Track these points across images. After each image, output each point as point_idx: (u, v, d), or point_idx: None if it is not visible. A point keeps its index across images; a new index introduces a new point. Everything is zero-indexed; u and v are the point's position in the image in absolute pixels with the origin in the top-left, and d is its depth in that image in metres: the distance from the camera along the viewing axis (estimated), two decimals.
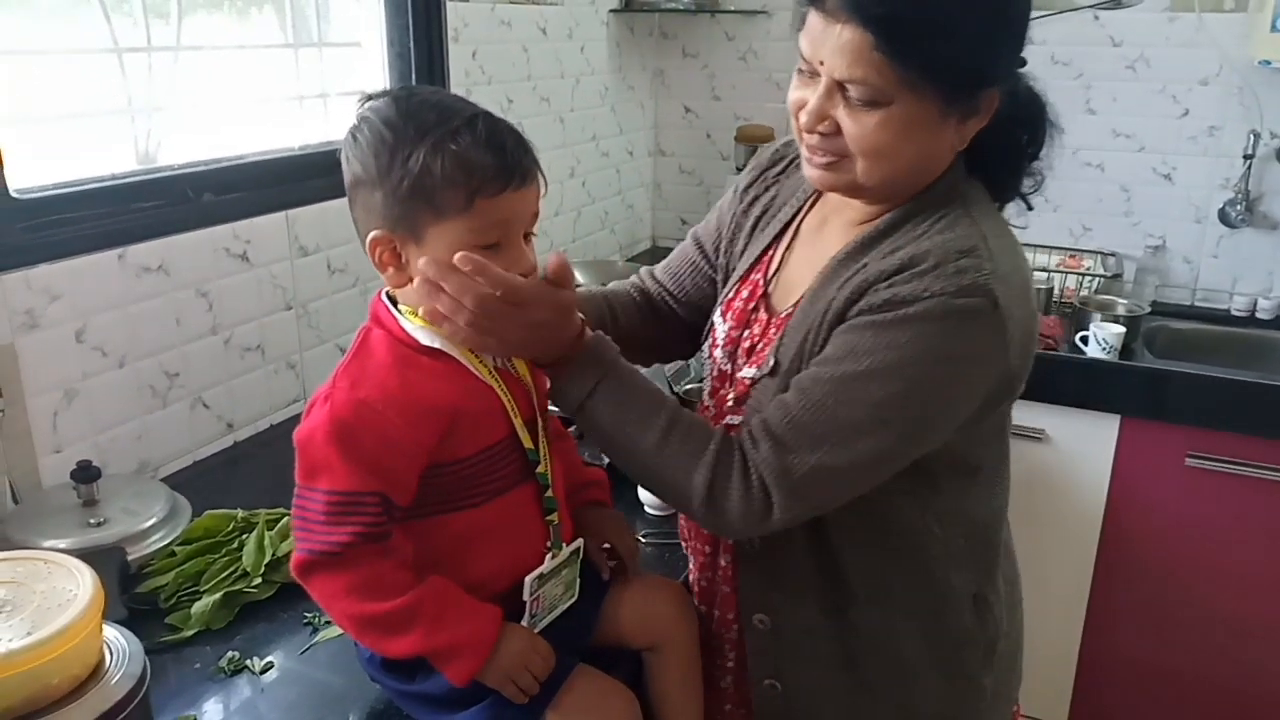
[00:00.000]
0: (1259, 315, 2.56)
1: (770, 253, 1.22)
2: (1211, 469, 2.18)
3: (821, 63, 0.99)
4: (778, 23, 2.89)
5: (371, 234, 1.00)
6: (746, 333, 1.18)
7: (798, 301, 1.12)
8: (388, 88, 1.01)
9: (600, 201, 2.90)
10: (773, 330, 1.14)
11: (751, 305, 1.19)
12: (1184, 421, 2.15)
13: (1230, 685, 2.32)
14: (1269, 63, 2.34)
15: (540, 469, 1.07)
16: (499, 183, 0.97)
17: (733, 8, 2.90)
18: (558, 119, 2.61)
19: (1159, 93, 2.55)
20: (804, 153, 1.07)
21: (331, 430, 0.96)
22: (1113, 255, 2.65)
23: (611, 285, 1.42)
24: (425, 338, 1.01)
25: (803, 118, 1.03)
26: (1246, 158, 2.47)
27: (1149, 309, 2.56)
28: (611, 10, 2.77)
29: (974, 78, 1.00)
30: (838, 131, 1.02)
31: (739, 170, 2.92)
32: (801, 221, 1.20)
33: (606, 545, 1.19)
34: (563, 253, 1.08)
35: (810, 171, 1.07)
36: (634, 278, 1.44)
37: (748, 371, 1.14)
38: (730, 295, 1.23)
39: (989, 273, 0.98)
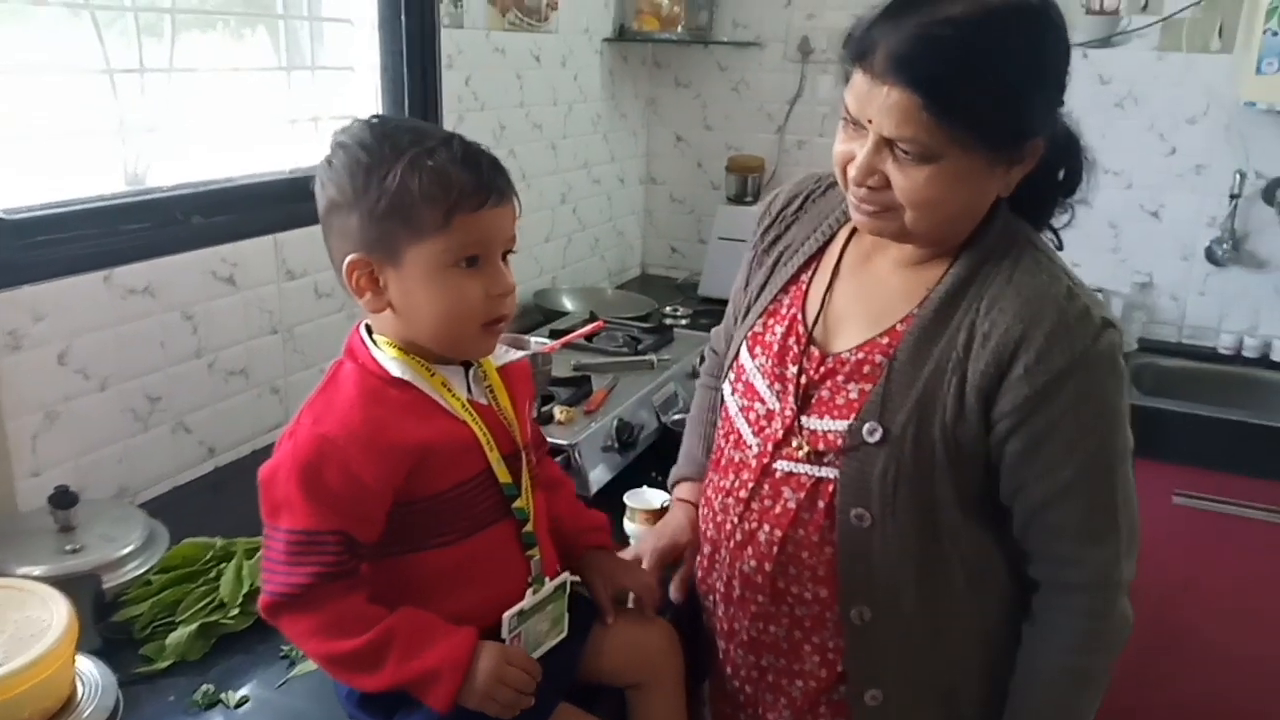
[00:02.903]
0: (1245, 353, 2.56)
1: (799, 286, 1.21)
2: (1199, 507, 2.18)
3: (869, 120, 1.01)
4: (770, 54, 2.91)
5: (348, 258, 0.99)
6: (794, 370, 1.15)
7: (866, 347, 1.11)
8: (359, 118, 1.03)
9: (591, 228, 2.90)
10: (839, 377, 1.12)
11: (791, 340, 1.17)
12: (1171, 459, 2.15)
13: None
14: (1254, 104, 2.36)
15: (518, 504, 1.06)
16: (476, 199, 0.97)
17: (725, 39, 2.92)
18: (550, 146, 2.61)
19: (1147, 130, 2.57)
20: (851, 201, 1.09)
21: (294, 467, 0.95)
22: (1100, 291, 2.66)
23: (700, 406, 1.46)
24: (396, 369, 1.01)
25: (851, 171, 1.05)
26: (1233, 197, 2.48)
27: (1136, 346, 2.58)
28: (605, 39, 2.78)
29: (1021, 131, 1.02)
30: (886, 185, 1.03)
31: (729, 200, 2.93)
32: (840, 256, 1.20)
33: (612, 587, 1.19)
34: None
35: (859, 219, 1.09)
36: (708, 358, 1.48)
37: (829, 424, 1.11)
38: (757, 329, 1.22)
39: (1090, 301, 1.05)
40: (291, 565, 0.95)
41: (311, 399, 1.01)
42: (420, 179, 0.95)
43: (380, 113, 1.02)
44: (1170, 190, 2.59)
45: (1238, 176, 2.47)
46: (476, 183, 0.97)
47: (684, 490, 1.39)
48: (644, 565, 1.25)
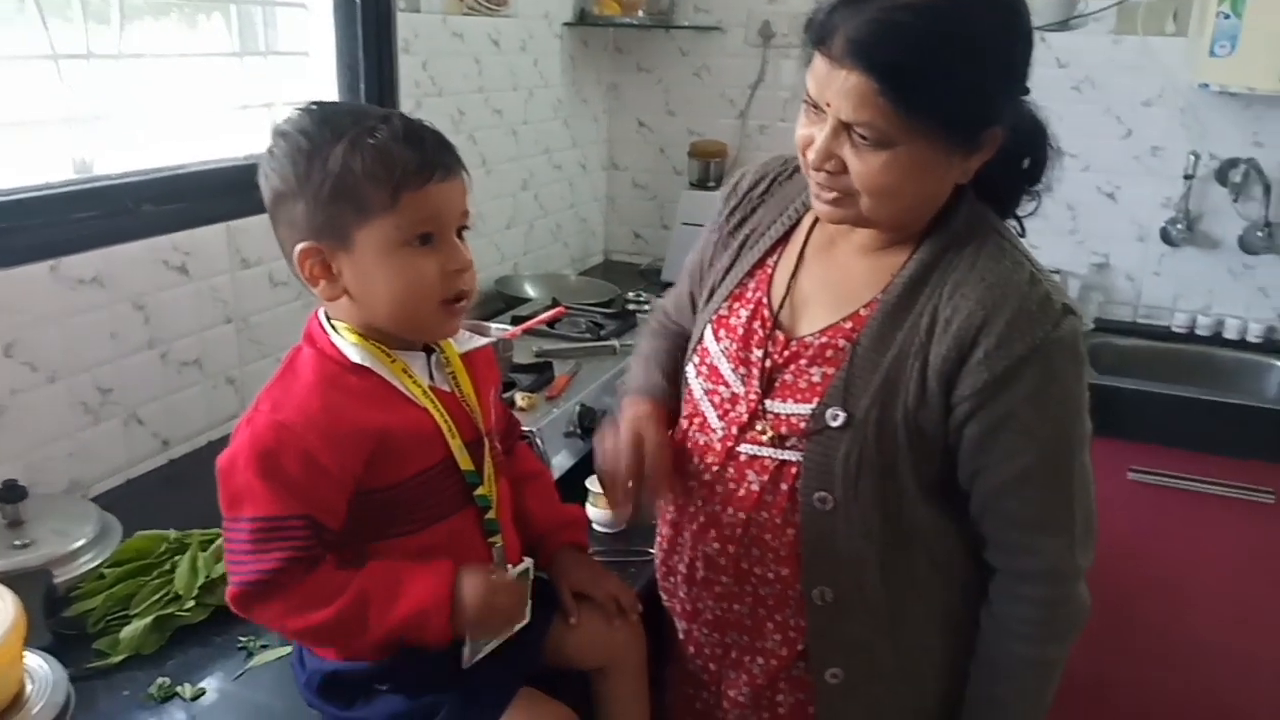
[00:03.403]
0: (1199, 332, 2.60)
1: (765, 270, 1.21)
2: (1154, 483, 2.22)
3: (828, 104, 1.01)
4: (731, 39, 2.90)
5: (299, 247, 0.97)
6: (760, 354, 1.15)
7: (829, 331, 1.11)
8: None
9: (553, 215, 2.88)
10: (803, 360, 1.12)
11: (756, 324, 1.17)
12: (1127, 437, 2.18)
13: (1173, 698, 2.35)
14: (1208, 86, 2.39)
15: (480, 491, 1.05)
16: (422, 175, 0.96)
17: (687, 23, 2.91)
18: (510, 132, 2.59)
19: (1104, 113, 2.59)
20: (812, 188, 1.09)
21: (252, 455, 0.94)
22: (1057, 272, 2.69)
23: (651, 348, 1.40)
24: (356, 355, 0.99)
25: (810, 155, 1.05)
26: (1187, 178, 2.51)
27: (1093, 326, 2.60)
28: (565, 23, 2.76)
29: (978, 119, 1.02)
30: (844, 170, 1.03)
31: (692, 185, 2.92)
32: (806, 240, 1.20)
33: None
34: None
35: (819, 206, 1.10)
36: (657, 321, 1.43)
37: (793, 408, 1.11)
38: (722, 312, 1.21)
39: (1051, 288, 1.05)
40: (259, 553, 0.93)
41: (269, 385, 1.00)
42: (362, 159, 0.94)
43: (321, 99, 1.00)
44: (1127, 172, 2.62)
45: (1192, 158, 2.50)
46: (420, 159, 0.96)
47: (637, 403, 1.29)
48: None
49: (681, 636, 1.26)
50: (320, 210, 0.95)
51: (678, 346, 1.34)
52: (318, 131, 0.96)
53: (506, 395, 1.71)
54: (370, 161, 0.94)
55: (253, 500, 0.94)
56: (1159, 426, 2.19)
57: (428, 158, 0.96)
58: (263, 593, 0.94)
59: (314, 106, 0.99)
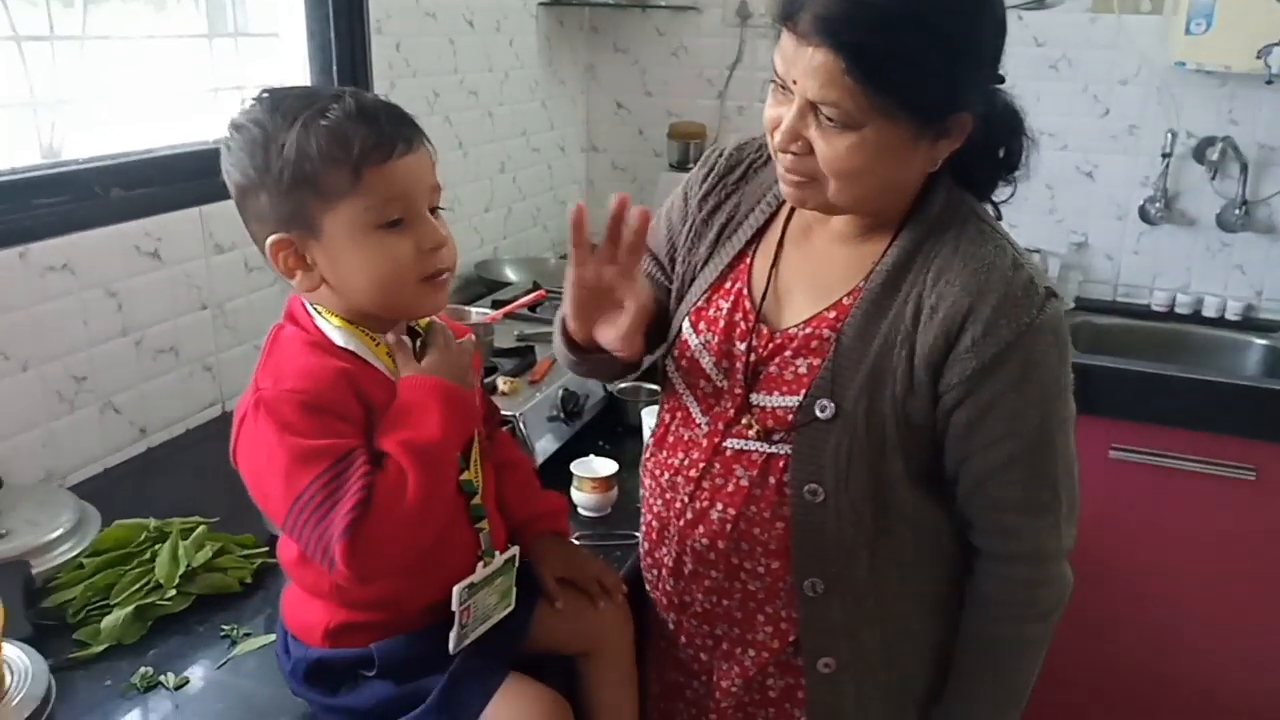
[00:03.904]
0: (1178, 310, 2.62)
1: (745, 261, 1.19)
2: (1135, 461, 2.23)
3: (794, 82, 0.99)
4: (708, 19, 2.88)
5: (269, 240, 0.95)
6: (743, 347, 1.14)
7: (813, 321, 1.10)
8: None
9: (532, 198, 2.86)
10: (787, 352, 1.11)
11: (738, 316, 1.15)
12: (1107, 414, 2.20)
13: (1157, 673, 2.37)
14: (1184, 64, 2.40)
15: (465, 476, 1.04)
16: (382, 149, 0.93)
17: (663, 3, 2.88)
18: (487, 113, 2.56)
19: (1081, 92, 2.60)
20: (779, 170, 1.07)
21: (277, 428, 0.90)
22: (1037, 252, 2.70)
23: None
24: (339, 338, 0.98)
25: (777, 137, 1.03)
26: (1165, 156, 2.52)
27: (1073, 305, 2.62)
28: (540, 3, 2.73)
29: (946, 104, 1.00)
30: (810, 152, 1.02)
31: (672, 167, 2.91)
32: (784, 230, 1.18)
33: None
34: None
35: (785, 189, 1.08)
36: None
37: (779, 401, 1.10)
38: (701, 304, 1.19)
39: (1034, 271, 1.05)
40: (337, 499, 0.89)
41: (261, 365, 0.98)
42: (316, 141, 0.91)
43: (274, 86, 0.97)
44: (1104, 151, 2.62)
45: (1169, 136, 2.51)
46: (378, 134, 0.93)
47: None
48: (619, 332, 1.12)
49: (672, 627, 1.24)
50: (284, 200, 0.93)
51: None
52: (270, 120, 0.93)
53: (488, 380, 1.70)
54: (325, 143, 0.91)
55: (303, 463, 0.90)
56: (1139, 404, 2.21)
57: (385, 131, 0.93)
58: (366, 531, 0.88)
59: (265, 95, 0.96)
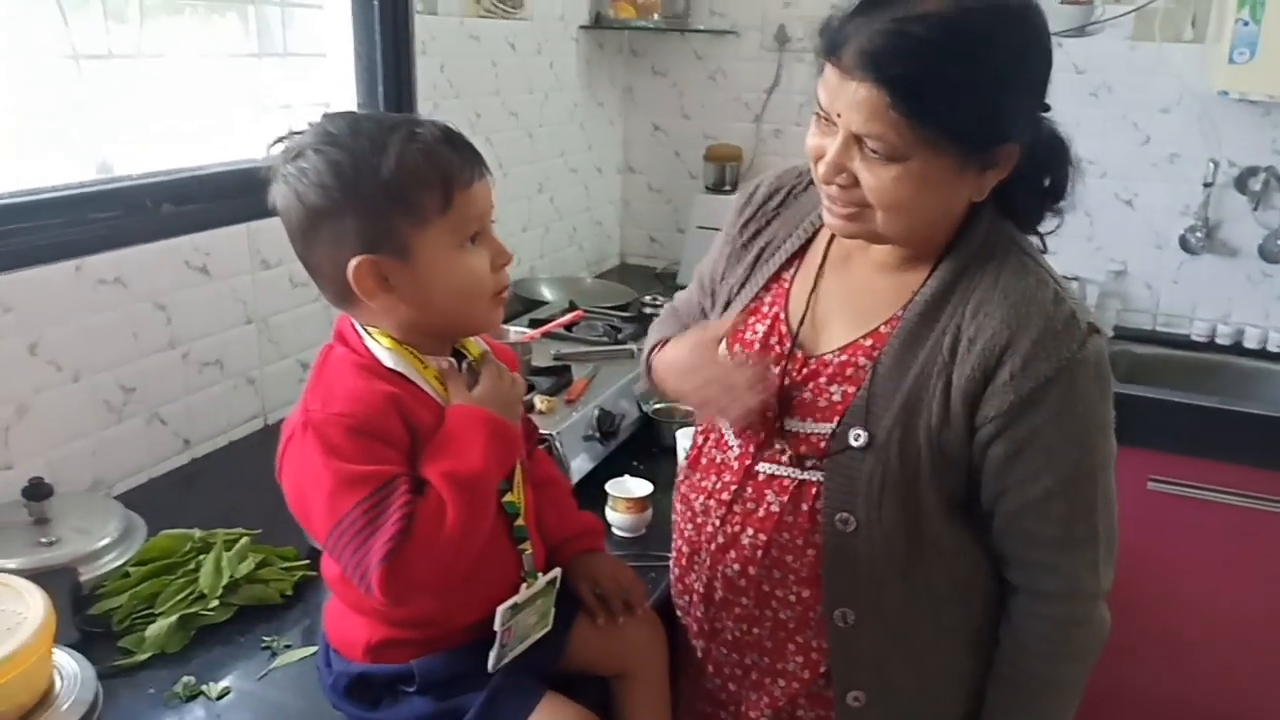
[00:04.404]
0: (1218, 340, 2.59)
1: (781, 284, 1.19)
2: (1173, 493, 2.21)
3: (839, 115, 0.99)
4: (746, 43, 2.90)
5: (354, 262, 0.95)
6: (777, 370, 1.13)
7: (849, 349, 1.10)
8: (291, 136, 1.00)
9: (568, 218, 2.89)
10: (822, 379, 1.10)
11: (773, 339, 1.16)
12: (1146, 445, 2.17)
13: (1193, 705, 2.34)
14: (1227, 93, 2.38)
15: (509, 498, 1.05)
16: (468, 174, 0.97)
17: (702, 27, 2.91)
18: (526, 134, 2.59)
19: (1121, 119, 2.59)
20: (824, 200, 1.07)
21: (323, 451, 0.92)
22: (1075, 280, 2.68)
23: (663, 328, 1.40)
24: (389, 360, 0.99)
25: (821, 169, 1.03)
26: (1206, 185, 2.51)
27: (1111, 333, 2.60)
28: (581, 26, 2.77)
29: (992, 135, 1.00)
30: (855, 183, 1.02)
31: (707, 189, 2.92)
32: (824, 255, 1.18)
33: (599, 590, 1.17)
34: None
35: (831, 221, 1.08)
36: (667, 312, 1.44)
37: (813, 427, 1.10)
38: (740, 327, 1.20)
39: (1076, 306, 1.04)
40: (378, 525, 0.90)
41: (311, 386, 0.99)
42: (416, 164, 0.94)
43: (331, 109, 0.99)
44: (1144, 179, 2.61)
45: (1211, 165, 2.49)
46: (462, 158, 0.97)
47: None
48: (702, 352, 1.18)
49: (700, 655, 1.24)
50: (373, 221, 0.94)
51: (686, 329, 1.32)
52: (354, 143, 0.94)
53: (526, 398, 1.71)
54: (424, 166, 0.94)
55: (347, 488, 0.91)
56: (1179, 436, 2.18)
57: (468, 156, 0.98)
58: (404, 550, 0.89)
59: (334, 119, 0.98)
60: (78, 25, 1.54)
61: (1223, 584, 2.25)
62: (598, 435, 1.72)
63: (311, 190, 0.95)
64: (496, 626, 1.02)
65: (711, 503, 1.17)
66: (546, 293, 2.59)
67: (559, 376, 1.84)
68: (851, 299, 1.14)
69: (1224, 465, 2.17)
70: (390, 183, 0.93)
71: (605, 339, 2.09)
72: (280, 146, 0.99)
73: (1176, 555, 2.25)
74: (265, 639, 1.23)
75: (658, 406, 1.86)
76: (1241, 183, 2.50)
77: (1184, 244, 2.58)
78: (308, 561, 1.35)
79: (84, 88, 1.56)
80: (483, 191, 0.99)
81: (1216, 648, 2.29)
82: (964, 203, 1.06)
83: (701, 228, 2.83)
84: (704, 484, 1.19)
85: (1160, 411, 2.20)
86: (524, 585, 1.05)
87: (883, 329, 1.09)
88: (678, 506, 1.25)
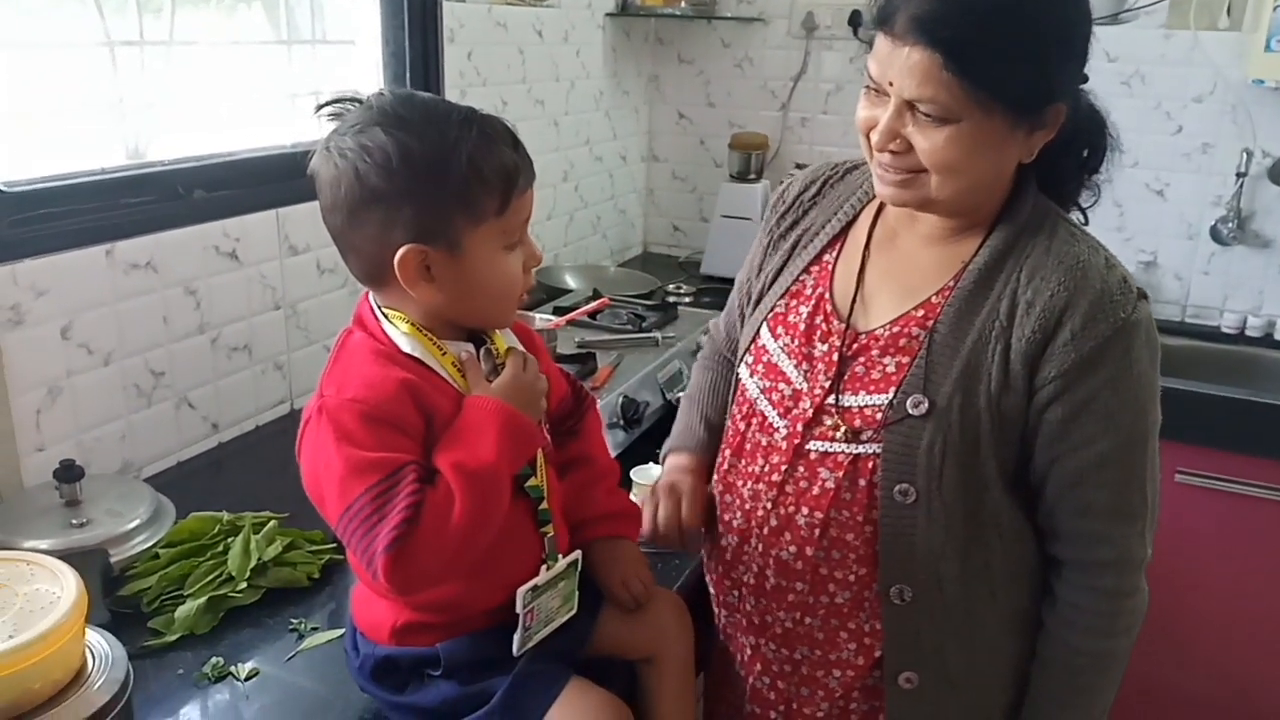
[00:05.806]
0: (1249, 333, 2.56)
1: (824, 266, 1.20)
2: (1200, 485, 2.19)
3: (891, 83, 1.01)
4: (774, 30, 2.88)
5: (404, 249, 0.94)
6: (823, 348, 1.15)
7: (900, 321, 1.11)
8: (349, 99, 0.99)
9: (593, 206, 2.89)
10: (874, 351, 1.11)
11: (819, 319, 1.17)
12: (1173, 438, 2.10)
13: (1220, 699, 2.32)
14: (1263, 82, 2.35)
15: (532, 482, 1.05)
16: (524, 179, 0.98)
17: (729, 14, 2.90)
18: (552, 122, 2.59)
19: (1154, 109, 2.56)
20: (876, 171, 1.09)
21: (336, 436, 0.92)
22: None
23: (699, 385, 1.41)
24: (406, 345, 0.99)
25: (874, 137, 1.05)
26: (1239, 175, 2.47)
27: None
28: (608, 14, 2.76)
29: (1041, 94, 1.02)
30: (909, 149, 1.04)
31: (732, 178, 2.91)
32: (869, 235, 1.19)
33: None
34: None
35: (883, 190, 1.09)
36: (710, 348, 1.43)
37: (867, 400, 1.10)
38: (780, 310, 1.21)
39: (1125, 273, 1.07)
40: (383, 514, 0.89)
41: (329, 370, 1.00)
42: (486, 165, 0.94)
43: (387, 87, 0.98)
44: (1176, 169, 2.58)
45: (1244, 155, 2.46)
46: (524, 163, 0.98)
47: (677, 458, 1.34)
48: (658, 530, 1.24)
49: (748, 654, 1.23)
50: (434, 214, 0.94)
51: (725, 380, 1.34)
52: (427, 131, 0.94)
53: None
54: (493, 168, 0.94)
55: (357, 474, 0.91)
56: (1207, 428, 2.16)
57: (527, 162, 0.98)
58: (404, 547, 0.89)
59: (402, 100, 0.96)
60: (112, 14, 1.55)
61: (1251, 578, 2.22)
62: (622, 423, 1.73)
63: (374, 171, 0.93)
64: (518, 609, 1.02)
65: (760, 486, 1.17)
66: (570, 281, 2.59)
67: (583, 364, 1.84)
68: (899, 275, 1.15)
69: (1253, 459, 2.14)
70: (459, 180, 0.93)
71: (629, 327, 2.09)
72: (328, 111, 0.98)
73: (1203, 549, 2.23)
74: (292, 621, 1.24)
75: (681, 394, 1.85)
76: (1275, 173, 2.45)
77: (1215, 235, 2.55)
78: (335, 545, 1.36)
79: (118, 75, 1.57)
80: (531, 197, 1.00)
81: (1246, 643, 2.26)
82: (1013, 164, 1.08)
83: (726, 216, 2.82)
84: (750, 469, 1.19)
85: (1189, 404, 2.17)
86: (544, 568, 1.06)
87: (934, 299, 1.11)
88: (724, 498, 1.23)
